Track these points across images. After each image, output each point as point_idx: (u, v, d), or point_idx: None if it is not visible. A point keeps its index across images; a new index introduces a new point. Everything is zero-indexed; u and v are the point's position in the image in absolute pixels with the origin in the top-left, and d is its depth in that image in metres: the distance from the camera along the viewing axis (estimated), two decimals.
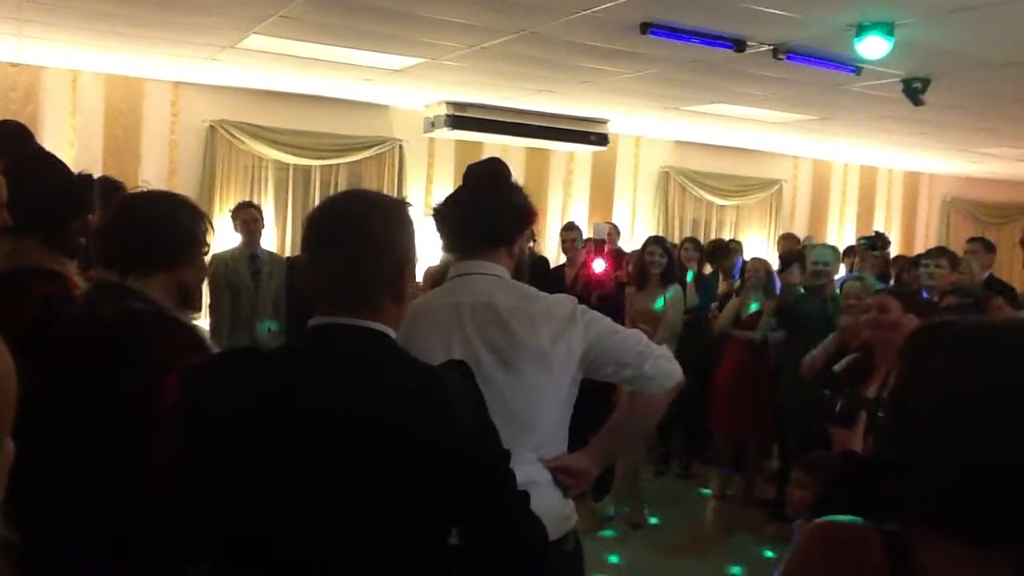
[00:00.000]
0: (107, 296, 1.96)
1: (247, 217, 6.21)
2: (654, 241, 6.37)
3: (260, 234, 6.32)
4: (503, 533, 1.57)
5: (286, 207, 8.87)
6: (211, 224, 2.15)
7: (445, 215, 2.41)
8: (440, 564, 1.52)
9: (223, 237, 7.58)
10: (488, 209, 2.37)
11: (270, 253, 6.47)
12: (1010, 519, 1.07)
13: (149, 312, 1.94)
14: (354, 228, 1.56)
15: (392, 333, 1.59)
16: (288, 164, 8.85)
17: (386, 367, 1.54)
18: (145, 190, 2.25)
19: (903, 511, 1.15)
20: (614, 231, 9.14)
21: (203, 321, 6.40)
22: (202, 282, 2.28)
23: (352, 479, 1.45)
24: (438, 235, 2.42)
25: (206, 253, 2.16)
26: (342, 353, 1.54)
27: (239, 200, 7.37)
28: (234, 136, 8.54)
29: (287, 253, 7.95)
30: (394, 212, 1.63)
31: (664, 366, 2.27)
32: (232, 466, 1.48)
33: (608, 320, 2.34)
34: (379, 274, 1.56)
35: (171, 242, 2.03)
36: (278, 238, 8.67)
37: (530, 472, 2.15)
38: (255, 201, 7.61)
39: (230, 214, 6.56)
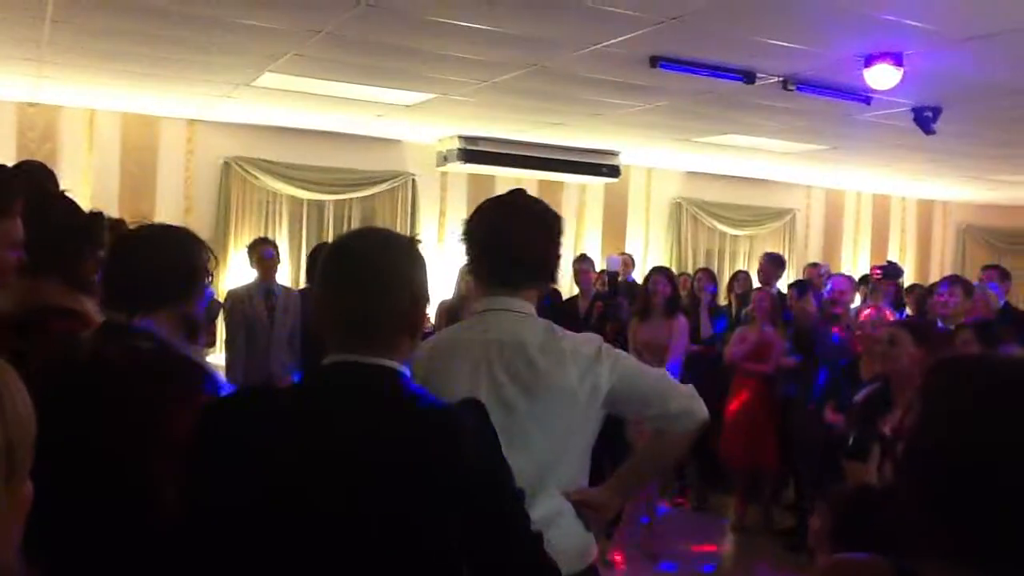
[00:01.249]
0: (114, 337, 1.95)
1: (262, 254, 6.25)
2: (657, 271, 6.39)
3: (276, 270, 6.35)
4: (515, 574, 1.56)
5: (300, 242, 8.92)
6: (212, 253, 2.13)
7: (485, 241, 2.33)
8: None
9: (239, 273, 7.65)
10: (538, 251, 2.33)
11: (286, 288, 6.50)
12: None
13: (157, 352, 1.93)
14: (368, 266, 1.58)
15: (406, 370, 1.60)
16: (302, 199, 8.92)
17: (400, 406, 1.55)
18: (143, 225, 2.23)
19: (918, 547, 1.14)
20: (629, 261, 9.16)
21: (219, 356, 6.43)
22: (215, 315, 2.29)
23: (364, 519, 1.45)
24: (468, 255, 2.36)
25: (210, 284, 2.16)
26: (357, 392, 1.54)
27: (254, 235, 7.42)
28: (248, 172, 8.62)
29: (301, 286, 7.99)
30: (407, 249, 1.64)
31: (687, 405, 2.25)
32: (245, 506, 1.48)
33: (633, 359, 2.35)
34: (394, 311, 1.57)
35: (174, 276, 2.02)
36: (292, 272, 8.71)
37: (557, 506, 2.19)
38: (269, 236, 7.66)
39: (246, 250, 6.61)
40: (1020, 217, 12.87)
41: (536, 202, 2.45)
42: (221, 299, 6.45)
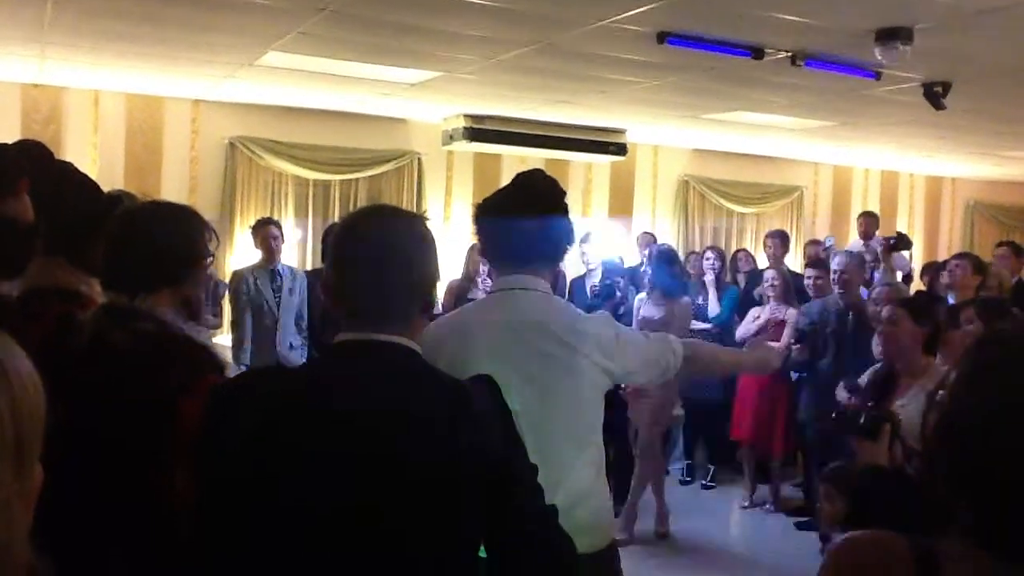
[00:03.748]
0: (115, 319, 1.92)
1: (267, 234, 6.23)
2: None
3: (281, 251, 6.34)
4: (530, 549, 1.55)
5: (306, 222, 8.89)
6: (213, 232, 2.10)
7: (498, 220, 2.38)
8: None
9: (244, 253, 7.63)
10: (550, 227, 2.38)
11: (291, 269, 6.49)
12: None
13: (161, 334, 1.90)
14: (380, 243, 1.57)
15: (418, 348, 1.59)
16: (308, 179, 8.89)
17: (415, 383, 1.54)
18: (142, 204, 2.19)
19: (940, 525, 1.13)
20: (651, 240, 9.14)
21: (225, 337, 6.43)
22: (221, 296, 2.27)
23: (380, 495, 1.44)
24: (480, 236, 2.43)
25: (211, 263, 2.13)
26: (371, 369, 1.53)
27: (260, 216, 7.40)
28: (254, 152, 8.59)
29: (307, 267, 7.98)
30: (417, 226, 1.63)
31: (661, 372, 2.47)
32: (259, 489, 1.46)
33: (636, 333, 2.52)
34: (406, 288, 1.56)
35: (174, 256, 1.98)
36: (299, 253, 8.70)
37: (586, 485, 2.28)
38: (275, 216, 7.65)
39: (251, 230, 6.59)
40: None
41: (553, 183, 2.47)
42: (227, 280, 6.45)
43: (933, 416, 1.16)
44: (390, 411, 1.48)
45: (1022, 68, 5.63)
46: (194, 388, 1.74)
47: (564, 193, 2.47)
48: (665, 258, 6.28)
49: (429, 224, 1.66)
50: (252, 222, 7.03)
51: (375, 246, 1.56)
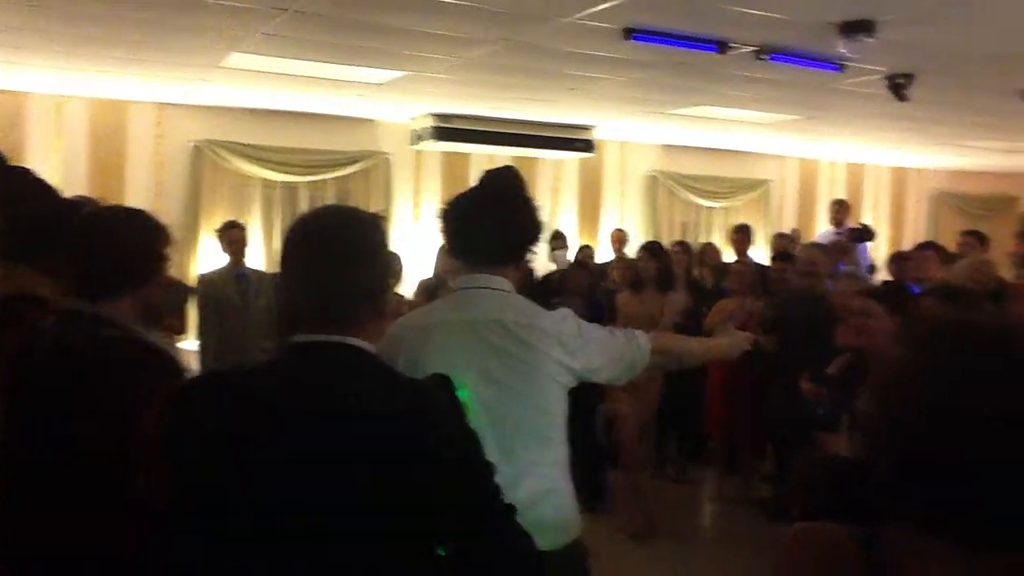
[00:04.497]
0: (76, 324, 1.91)
1: (233, 237, 6.18)
2: (644, 248, 6.45)
3: (245, 253, 6.29)
4: (488, 547, 1.55)
5: (273, 225, 8.83)
6: (168, 236, 2.09)
7: (459, 219, 2.38)
8: None
9: (211, 257, 7.56)
10: (511, 225, 2.37)
11: (257, 272, 6.44)
12: (998, 519, 1.05)
13: (122, 339, 1.90)
14: (332, 243, 1.56)
15: (373, 349, 1.58)
16: (275, 181, 8.82)
17: (368, 381, 1.53)
18: (101, 209, 2.20)
19: (886, 513, 1.14)
20: (623, 237, 9.20)
21: (191, 343, 6.37)
22: (183, 301, 2.26)
23: (334, 495, 1.44)
24: (445, 235, 2.41)
25: (169, 267, 2.12)
26: (324, 370, 1.53)
27: (226, 219, 7.33)
28: (219, 155, 8.52)
29: (275, 270, 7.92)
30: (372, 226, 1.62)
31: (628, 369, 2.43)
32: (220, 489, 1.46)
33: (600, 329, 2.43)
34: (360, 290, 1.56)
35: (134, 262, 1.98)
36: (267, 256, 8.64)
37: (548, 483, 2.27)
38: (243, 219, 7.59)
39: (216, 234, 6.54)
40: (992, 183, 12.98)
41: (515, 180, 2.46)
42: (192, 284, 6.39)
43: (878, 403, 1.17)
44: (339, 412, 1.48)
45: (983, 58, 5.70)
46: (156, 393, 1.73)
47: (527, 190, 2.46)
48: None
49: (384, 225, 1.66)
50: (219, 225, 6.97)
51: (327, 245, 1.56)
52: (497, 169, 2.54)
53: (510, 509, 1.61)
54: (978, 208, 13.07)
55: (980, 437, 1.05)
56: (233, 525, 1.46)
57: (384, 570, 1.47)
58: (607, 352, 2.37)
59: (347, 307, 1.55)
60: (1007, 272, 7.72)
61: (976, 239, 6.51)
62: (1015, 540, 1.05)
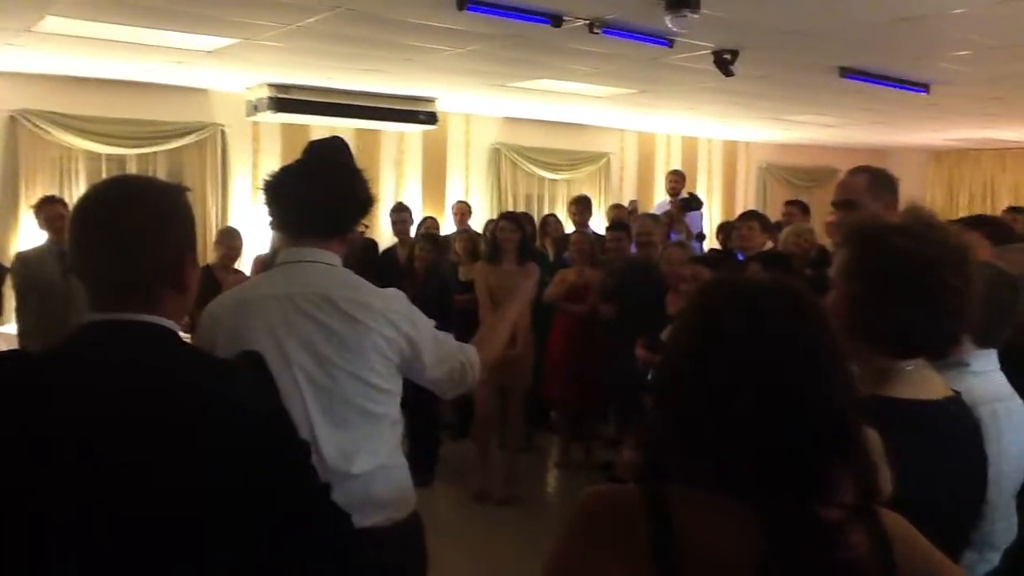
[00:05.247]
0: None
1: (51, 213, 5.84)
2: (506, 217, 6.42)
3: (66, 229, 5.95)
4: (302, 528, 1.50)
5: None
6: None
7: (281, 192, 2.30)
8: (245, 564, 1.45)
9: (31, 235, 7.12)
10: (332, 197, 2.30)
11: None
12: (751, 466, 1.11)
13: None
14: (121, 216, 1.48)
15: (174, 326, 1.52)
16: (100, 154, 8.37)
17: (165, 362, 1.46)
18: None
19: (669, 468, 1.19)
20: (465, 209, 9.18)
21: (10, 327, 5.99)
22: None
23: (136, 484, 1.36)
24: (267, 209, 2.32)
25: None
26: (116, 350, 1.45)
27: (47, 194, 6.91)
28: (39, 126, 8.02)
29: None
30: (164, 195, 1.55)
31: (459, 378, 2.37)
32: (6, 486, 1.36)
33: (431, 324, 2.37)
34: (152, 264, 1.48)
35: None
36: None
37: (380, 459, 2.24)
38: (67, 194, 7.20)
39: (32, 211, 6.16)
40: (816, 155, 13.75)
41: (341, 150, 2.42)
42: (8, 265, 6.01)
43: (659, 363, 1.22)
44: (132, 402, 1.39)
45: (803, 34, 5.97)
46: None
47: (353, 160, 2.43)
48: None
49: (183, 195, 1.58)
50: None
51: (115, 218, 1.48)
52: (323, 139, 2.49)
53: (325, 489, 1.57)
54: (802, 179, 13.83)
55: (721, 389, 1.11)
56: (13, 534, 1.36)
57: (196, 561, 1.40)
58: (438, 349, 2.32)
59: (139, 282, 1.47)
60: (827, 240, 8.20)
61: (799, 208, 6.85)
62: (771, 493, 1.10)
